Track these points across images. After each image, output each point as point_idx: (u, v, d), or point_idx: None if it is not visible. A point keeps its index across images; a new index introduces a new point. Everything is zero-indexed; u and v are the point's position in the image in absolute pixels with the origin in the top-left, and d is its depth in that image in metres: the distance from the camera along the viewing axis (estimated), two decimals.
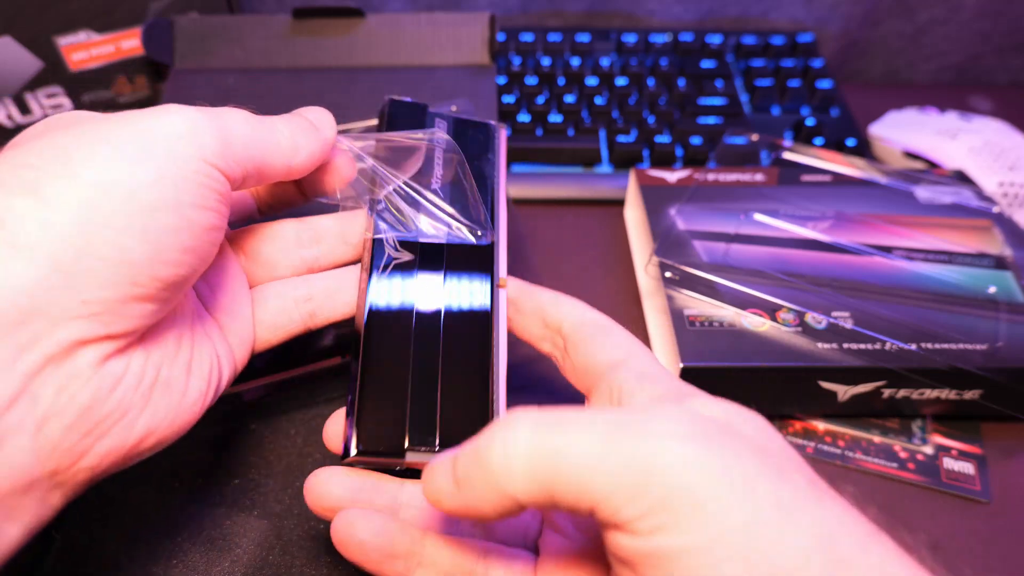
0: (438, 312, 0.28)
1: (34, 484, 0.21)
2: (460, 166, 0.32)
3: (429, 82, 0.53)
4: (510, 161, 0.54)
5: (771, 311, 0.38)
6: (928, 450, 0.39)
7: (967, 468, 0.38)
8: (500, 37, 0.61)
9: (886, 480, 0.37)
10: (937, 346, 0.37)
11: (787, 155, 0.49)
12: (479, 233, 0.31)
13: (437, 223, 0.31)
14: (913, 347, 0.37)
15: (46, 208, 0.20)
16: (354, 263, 0.31)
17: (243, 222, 0.31)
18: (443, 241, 0.30)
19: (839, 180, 0.47)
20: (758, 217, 0.44)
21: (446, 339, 0.28)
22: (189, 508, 0.35)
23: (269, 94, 0.51)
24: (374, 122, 0.47)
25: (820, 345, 0.37)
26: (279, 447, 0.37)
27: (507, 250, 0.41)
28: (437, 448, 0.25)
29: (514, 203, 0.50)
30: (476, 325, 0.28)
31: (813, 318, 0.38)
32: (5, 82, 0.52)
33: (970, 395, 0.38)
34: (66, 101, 0.55)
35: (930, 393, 0.38)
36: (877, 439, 0.39)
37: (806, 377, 0.37)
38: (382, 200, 0.30)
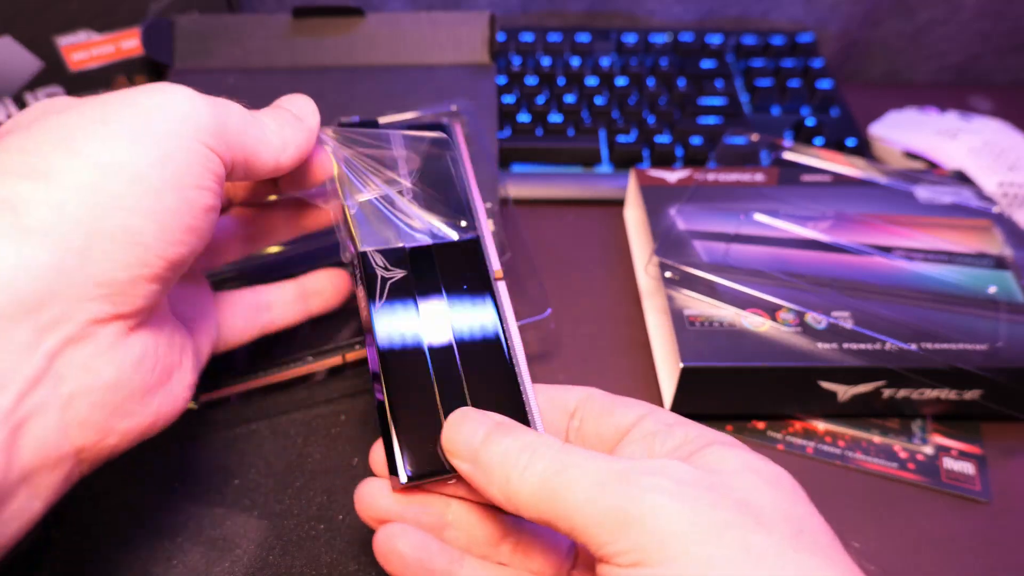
0: (446, 319, 0.28)
1: (61, 461, 0.22)
2: (452, 162, 0.32)
3: (429, 81, 0.53)
4: (510, 161, 0.54)
5: (771, 311, 0.38)
6: (928, 450, 0.39)
7: (967, 468, 0.38)
8: (500, 37, 0.61)
9: (886, 480, 0.37)
10: (937, 346, 0.37)
11: (787, 155, 0.49)
12: (463, 224, 0.31)
13: (418, 225, 0.31)
14: (913, 347, 0.37)
15: (55, 191, 0.21)
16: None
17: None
18: (429, 242, 0.30)
19: (839, 180, 0.47)
20: (758, 217, 0.44)
21: (460, 345, 0.28)
22: (189, 508, 0.35)
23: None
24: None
25: (820, 345, 0.37)
26: (279, 447, 0.37)
27: (500, 246, 0.41)
28: None
29: (514, 203, 0.50)
30: (485, 323, 0.29)
31: (813, 318, 0.38)
32: (5, 82, 0.52)
33: (970, 395, 0.38)
34: None
35: (930, 393, 0.38)
36: (877, 439, 0.39)
37: (806, 377, 0.37)
38: (357, 207, 0.31)
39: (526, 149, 0.54)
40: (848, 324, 0.38)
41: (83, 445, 0.22)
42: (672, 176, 0.48)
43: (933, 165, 0.52)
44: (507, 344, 0.28)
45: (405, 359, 0.27)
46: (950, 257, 0.41)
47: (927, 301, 0.39)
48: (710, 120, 0.56)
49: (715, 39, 0.63)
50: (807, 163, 0.48)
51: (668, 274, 0.41)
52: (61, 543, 0.34)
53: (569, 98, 0.57)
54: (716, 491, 0.21)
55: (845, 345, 0.37)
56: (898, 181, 0.47)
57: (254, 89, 0.51)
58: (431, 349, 0.28)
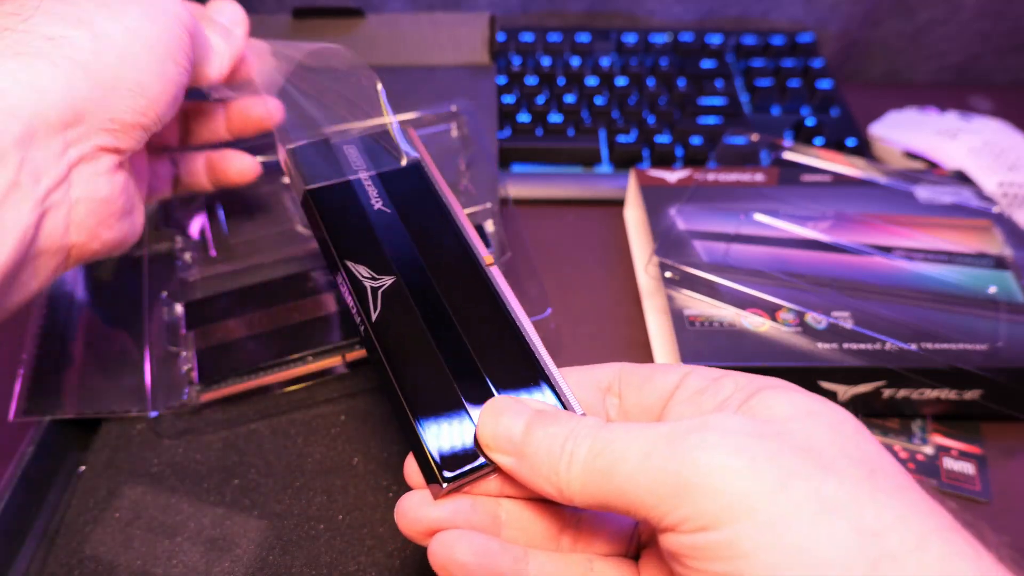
0: (447, 316, 0.27)
1: (59, 251, 0.27)
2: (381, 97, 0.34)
3: (429, 82, 0.53)
4: (510, 161, 0.54)
5: (771, 311, 0.38)
6: (928, 450, 0.39)
7: (967, 468, 0.38)
8: (500, 37, 0.61)
9: None
10: (937, 346, 0.37)
11: (787, 155, 0.49)
12: (400, 153, 0.32)
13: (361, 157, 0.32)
14: (913, 347, 0.37)
15: (97, 40, 0.26)
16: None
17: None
18: (419, 258, 0.29)
19: (839, 180, 0.47)
20: (758, 217, 0.44)
21: (470, 336, 0.27)
22: (189, 508, 0.35)
23: None
24: (373, 122, 0.47)
25: (820, 345, 0.37)
26: (279, 447, 0.37)
27: (499, 246, 0.41)
28: None
29: (514, 203, 0.50)
30: (489, 311, 0.27)
31: (813, 318, 0.38)
32: None
33: (970, 395, 0.38)
34: None
35: (930, 393, 0.38)
36: (877, 439, 0.39)
37: (806, 377, 0.37)
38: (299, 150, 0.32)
39: (526, 149, 0.54)
40: (848, 324, 0.38)
41: (75, 243, 0.27)
42: (672, 176, 0.48)
43: (933, 165, 0.52)
44: (518, 325, 0.27)
45: (416, 364, 0.26)
46: (950, 257, 0.41)
47: (927, 301, 0.39)
48: (710, 120, 0.56)
49: (715, 39, 0.63)
50: (807, 163, 0.48)
51: (668, 274, 0.41)
52: (61, 543, 0.34)
53: (569, 98, 0.57)
54: (774, 439, 0.20)
55: (845, 345, 0.37)
56: (898, 181, 0.47)
57: None
58: (441, 347, 0.26)
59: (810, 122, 0.55)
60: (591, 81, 0.59)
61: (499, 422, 0.23)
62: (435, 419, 0.25)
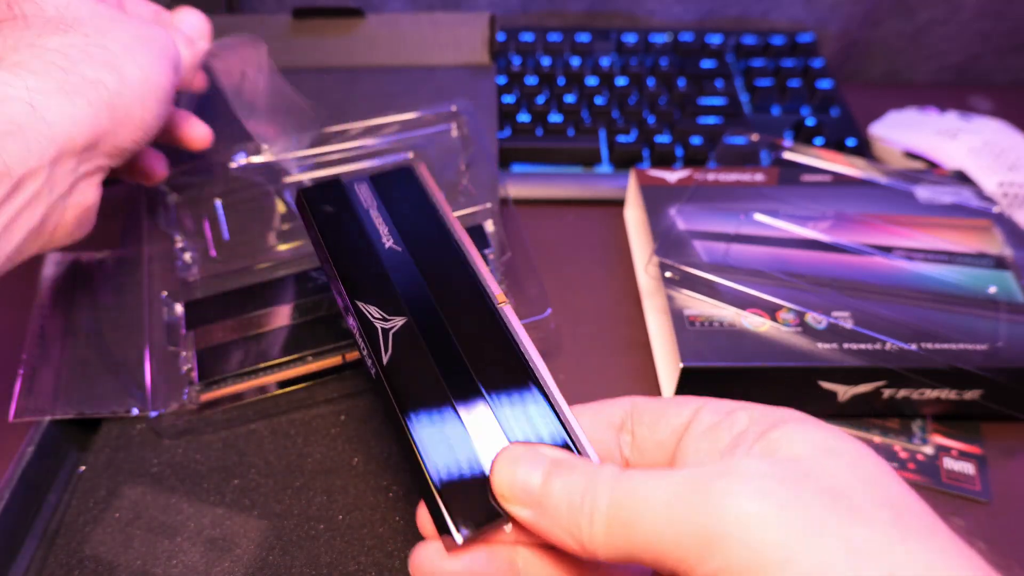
0: (459, 357, 0.26)
1: (41, 247, 0.32)
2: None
3: (429, 82, 0.53)
4: (510, 161, 0.54)
5: (771, 311, 0.38)
6: (928, 450, 0.39)
7: (967, 468, 0.38)
8: (500, 37, 0.61)
9: None
10: (937, 346, 0.37)
11: (787, 155, 0.49)
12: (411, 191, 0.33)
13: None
14: (913, 347, 0.37)
15: (122, 83, 0.32)
16: None
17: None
18: (431, 298, 0.28)
19: (839, 180, 0.47)
20: (758, 217, 0.44)
21: (482, 379, 0.26)
22: (189, 508, 0.35)
23: (270, 95, 0.51)
24: (373, 122, 0.47)
25: (820, 345, 0.37)
26: (279, 447, 0.37)
27: (499, 246, 0.41)
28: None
29: (514, 203, 0.50)
30: (503, 353, 0.27)
31: (813, 318, 0.38)
32: None
33: (970, 395, 0.38)
34: None
35: (930, 393, 0.38)
36: (877, 439, 0.39)
37: (806, 377, 0.37)
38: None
39: (526, 149, 0.54)
40: (848, 324, 0.38)
41: (52, 241, 0.32)
42: (672, 176, 0.48)
43: (933, 165, 0.52)
44: (532, 367, 0.26)
45: (428, 408, 0.25)
46: (950, 257, 0.41)
47: (927, 301, 0.39)
48: (710, 120, 0.56)
49: (715, 39, 0.63)
50: (807, 163, 0.48)
51: (668, 274, 0.41)
52: (61, 543, 0.34)
53: (569, 98, 0.57)
54: (800, 483, 0.19)
55: (845, 345, 0.37)
56: (898, 181, 0.47)
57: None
58: (454, 392, 0.25)
59: (810, 122, 0.55)
60: (591, 81, 0.59)
61: (515, 473, 0.23)
62: (448, 469, 0.24)
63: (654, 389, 0.41)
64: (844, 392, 0.38)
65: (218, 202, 0.44)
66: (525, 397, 0.26)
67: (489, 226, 0.42)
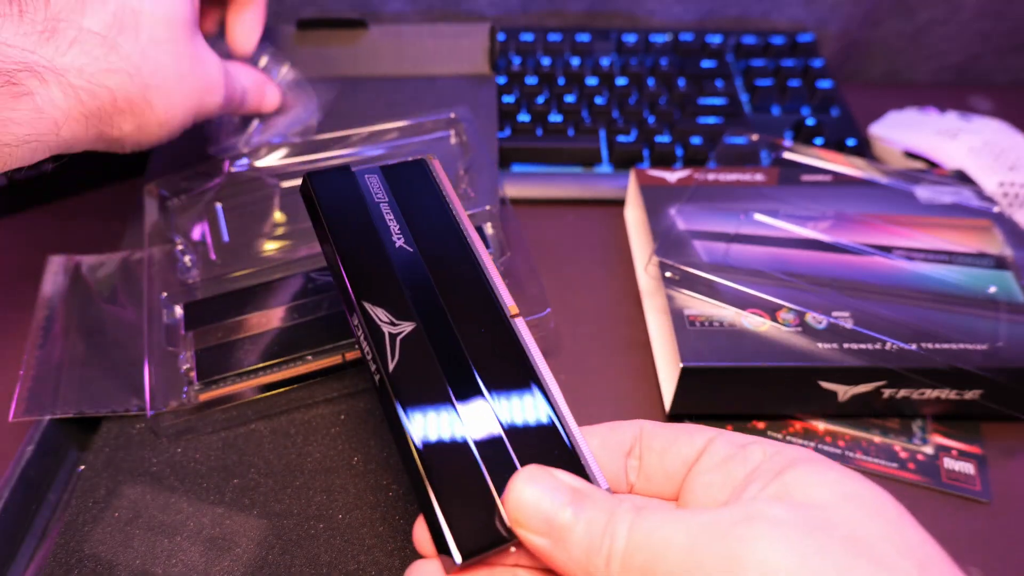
0: (469, 368, 0.25)
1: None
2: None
3: (430, 91, 0.53)
4: (510, 161, 0.54)
5: (771, 311, 0.38)
6: (928, 450, 0.39)
7: (967, 468, 0.38)
8: (500, 37, 0.61)
9: (886, 480, 0.37)
10: (937, 346, 0.37)
11: (787, 155, 0.49)
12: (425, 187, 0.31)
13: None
14: (913, 347, 0.37)
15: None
16: None
17: None
18: (441, 305, 0.27)
19: (839, 180, 0.47)
20: (758, 217, 0.44)
21: (492, 394, 0.25)
22: (189, 508, 0.35)
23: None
24: (373, 128, 0.47)
25: (820, 345, 0.37)
26: (279, 446, 0.37)
27: (499, 246, 0.41)
28: None
29: (514, 203, 0.50)
30: (513, 367, 0.26)
31: (813, 318, 0.38)
32: None
33: (970, 395, 0.38)
34: None
35: (930, 393, 0.38)
36: (877, 439, 0.39)
37: (806, 377, 0.37)
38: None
39: (526, 149, 0.54)
40: (848, 324, 0.38)
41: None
42: (672, 176, 0.48)
43: (933, 165, 0.52)
44: (544, 386, 0.25)
45: (433, 421, 0.24)
46: (950, 257, 0.41)
47: (927, 301, 0.39)
48: (710, 120, 0.56)
49: (715, 39, 0.63)
50: (807, 163, 0.48)
51: (668, 274, 0.41)
52: (61, 542, 0.34)
53: (569, 98, 0.57)
54: (822, 533, 0.19)
55: (845, 345, 0.37)
56: (898, 181, 0.47)
57: None
58: (460, 404, 0.24)
59: (810, 122, 0.55)
60: (591, 81, 0.59)
61: (538, 501, 0.22)
62: (451, 487, 0.23)
63: (654, 389, 0.41)
64: (844, 392, 0.38)
65: (218, 205, 0.44)
66: (535, 417, 0.25)
67: (489, 229, 0.42)
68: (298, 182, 0.45)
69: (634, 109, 0.56)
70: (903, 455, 0.38)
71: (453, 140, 0.47)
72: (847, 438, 0.39)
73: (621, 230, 0.51)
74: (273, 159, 0.46)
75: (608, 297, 0.46)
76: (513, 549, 0.23)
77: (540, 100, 0.57)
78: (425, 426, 0.24)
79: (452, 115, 0.47)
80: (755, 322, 0.38)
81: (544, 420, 0.25)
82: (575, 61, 0.60)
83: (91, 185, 0.52)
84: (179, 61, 0.36)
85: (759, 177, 0.47)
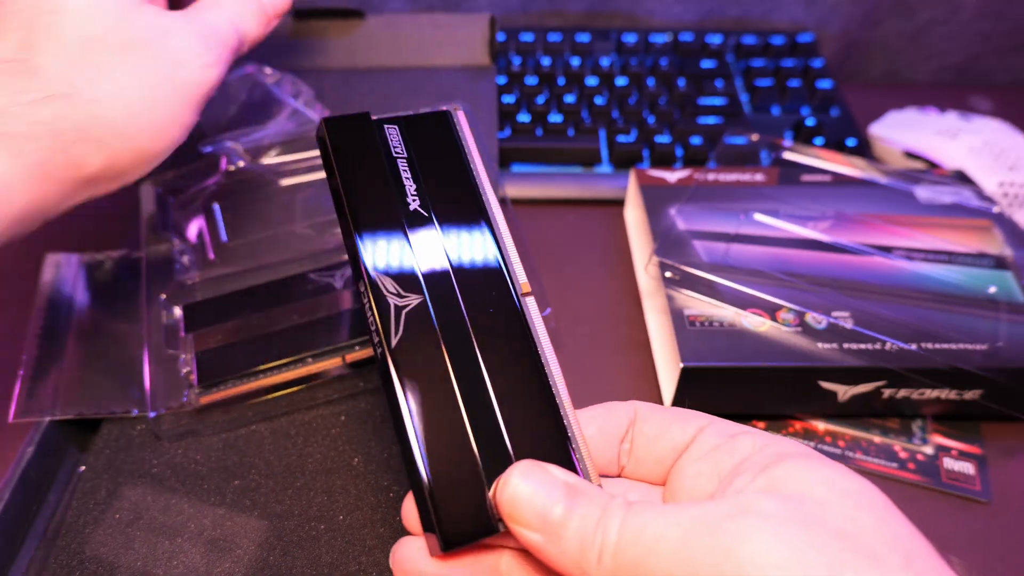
0: (473, 351, 0.25)
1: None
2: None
3: (429, 83, 0.53)
4: (510, 161, 0.54)
5: (771, 311, 0.38)
6: (928, 450, 0.39)
7: (967, 468, 0.38)
8: (500, 37, 0.61)
9: (886, 480, 0.37)
10: (937, 346, 0.37)
11: (787, 155, 0.49)
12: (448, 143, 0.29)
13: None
14: (913, 347, 0.37)
15: (114, 157, 0.30)
16: None
17: None
18: (452, 278, 0.26)
19: (839, 180, 0.47)
20: (758, 217, 0.44)
21: (494, 381, 0.24)
22: (189, 509, 0.35)
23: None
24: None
25: (820, 345, 0.37)
26: (279, 447, 0.37)
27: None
28: None
29: (514, 203, 0.50)
30: (518, 353, 0.25)
31: (813, 318, 0.38)
32: None
33: (970, 395, 0.38)
34: None
35: (930, 393, 0.38)
36: (877, 439, 0.39)
37: (806, 377, 0.37)
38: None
39: (526, 149, 0.54)
40: (848, 324, 0.38)
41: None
42: (672, 176, 0.48)
43: (933, 165, 0.52)
44: (547, 374, 0.25)
45: (431, 401, 0.24)
46: (950, 257, 0.41)
47: (927, 301, 0.39)
48: (710, 120, 0.56)
49: (715, 39, 0.63)
50: (807, 163, 0.48)
51: (668, 274, 0.41)
52: (62, 543, 0.34)
53: (569, 98, 0.57)
54: (812, 526, 0.19)
55: (845, 345, 0.37)
56: (898, 181, 0.47)
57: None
58: (460, 386, 0.24)
59: (810, 122, 0.55)
60: (591, 81, 0.59)
61: (532, 497, 0.22)
62: (443, 468, 0.23)
63: (654, 389, 0.41)
64: (844, 392, 0.38)
65: (216, 205, 0.44)
66: (535, 405, 0.24)
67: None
68: (297, 180, 0.45)
69: (634, 109, 0.56)
70: (903, 455, 0.38)
71: None
72: (847, 438, 0.39)
73: (621, 230, 0.51)
74: (270, 156, 0.46)
75: (608, 297, 0.46)
76: (500, 528, 0.23)
77: (540, 100, 0.57)
78: (422, 407, 0.24)
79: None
80: (755, 322, 0.38)
81: (543, 409, 0.24)
82: (575, 61, 0.60)
83: None
84: (127, 51, 0.28)
85: (759, 177, 0.47)
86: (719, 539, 0.19)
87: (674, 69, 0.60)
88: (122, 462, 0.37)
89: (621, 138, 0.54)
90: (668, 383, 0.39)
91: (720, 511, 0.20)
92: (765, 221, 0.44)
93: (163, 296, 0.40)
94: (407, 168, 0.28)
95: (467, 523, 0.22)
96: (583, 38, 0.62)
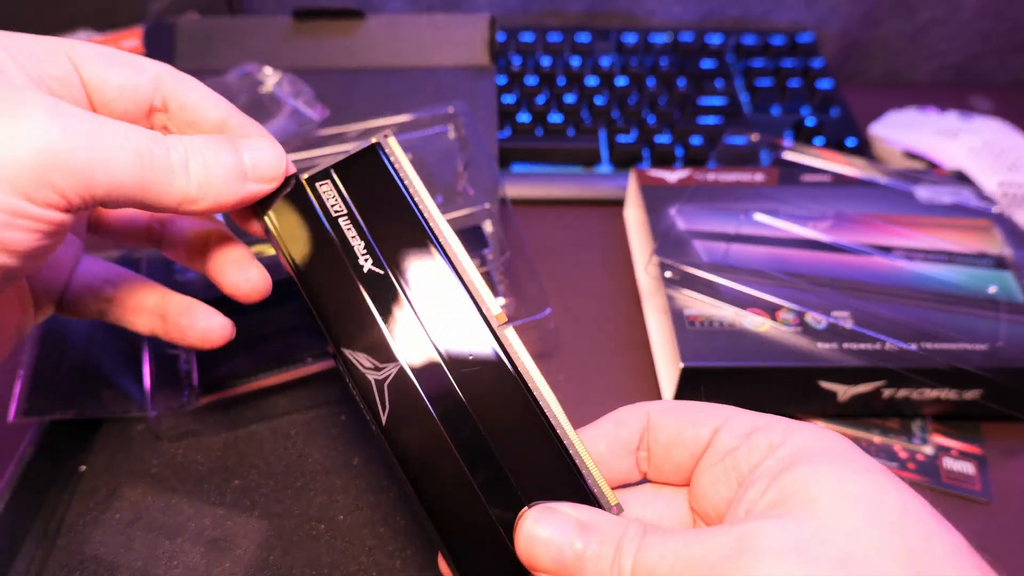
0: (463, 407, 0.24)
1: None
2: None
3: (429, 83, 0.53)
4: (510, 161, 0.54)
5: (771, 311, 0.38)
6: (928, 450, 0.39)
7: (967, 468, 0.38)
8: (500, 37, 0.61)
9: None
10: (937, 346, 0.37)
11: (787, 155, 0.49)
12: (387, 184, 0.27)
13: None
14: (913, 347, 0.37)
15: None
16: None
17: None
18: (425, 334, 0.25)
19: (839, 180, 0.47)
20: (758, 217, 0.44)
21: (488, 430, 0.24)
22: (189, 508, 0.35)
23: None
24: (369, 124, 0.47)
25: (820, 345, 0.37)
26: (279, 448, 0.37)
27: (499, 246, 0.41)
28: None
29: (514, 203, 0.50)
30: (508, 394, 0.24)
31: (813, 318, 0.38)
32: None
33: (970, 395, 0.38)
34: None
35: (930, 393, 0.38)
36: (877, 439, 0.39)
37: (806, 377, 0.37)
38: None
39: (526, 149, 0.54)
40: (848, 324, 0.38)
41: None
42: (672, 176, 0.48)
43: (933, 165, 0.52)
44: (539, 406, 0.24)
45: (432, 469, 0.24)
46: (950, 257, 0.41)
47: (927, 301, 0.39)
48: (710, 120, 0.56)
49: (715, 39, 0.63)
50: (807, 163, 0.48)
51: (668, 274, 0.41)
52: (62, 543, 0.34)
53: (569, 98, 0.57)
54: (813, 562, 0.19)
55: (845, 345, 0.37)
56: (898, 181, 0.47)
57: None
58: (458, 447, 0.24)
59: (810, 122, 0.55)
60: (591, 81, 0.59)
61: (548, 539, 0.22)
62: (461, 533, 0.23)
63: (654, 389, 0.41)
64: (844, 392, 0.38)
65: None
66: (535, 443, 0.24)
67: (488, 227, 0.42)
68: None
69: (634, 109, 0.56)
70: (903, 455, 0.38)
71: (451, 135, 0.47)
72: (847, 438, 0.39)
73: (621, 230, 0.51)
74: None
75: (608, 297, 0.46)
76: None
77: (540, 100, 0.57)
78: (425, 476, 0.24)
79: (450, 109, 0.47)
80: (755, 322, 0.38)
81: (544, 445, 0.24)
82: (575, 61, 0.60)
83: None
84: None
85: (759, 177, 0.47)
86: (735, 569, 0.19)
87: (674, 69, 0.60)
88: (122, 462, 0.37)
89: (621, 138, 0.54)
90: (668, 383, 0.39)
91: (723, 549, 0.20)
92: (765, 221, 0.44)
93: None
94: (350, 226, 0.26)
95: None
96: (583, 38, 0.62)
